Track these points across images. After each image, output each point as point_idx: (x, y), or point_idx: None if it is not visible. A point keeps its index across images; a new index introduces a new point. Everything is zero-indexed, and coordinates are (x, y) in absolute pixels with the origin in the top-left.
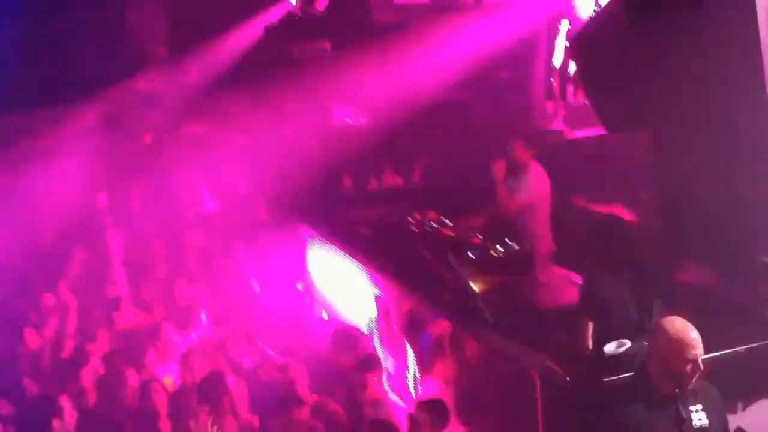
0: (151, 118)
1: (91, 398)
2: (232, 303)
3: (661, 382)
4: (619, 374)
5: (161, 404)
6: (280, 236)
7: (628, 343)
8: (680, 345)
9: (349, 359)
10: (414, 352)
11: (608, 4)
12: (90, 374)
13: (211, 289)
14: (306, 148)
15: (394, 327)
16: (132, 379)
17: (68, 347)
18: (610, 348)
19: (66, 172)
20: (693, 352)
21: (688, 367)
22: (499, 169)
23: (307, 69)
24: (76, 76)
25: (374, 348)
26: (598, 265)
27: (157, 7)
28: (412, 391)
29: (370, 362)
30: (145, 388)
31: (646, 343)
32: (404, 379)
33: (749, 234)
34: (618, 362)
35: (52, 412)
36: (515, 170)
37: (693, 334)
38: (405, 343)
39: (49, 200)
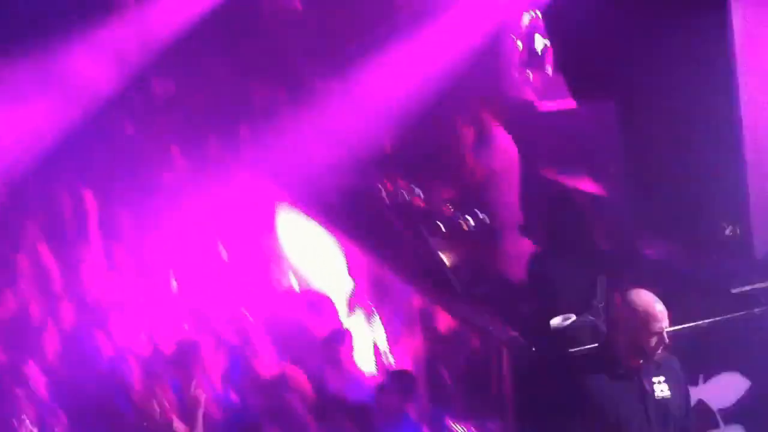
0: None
1: (58, 366)
2: (201, 270)
3: (626, 354)
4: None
5: (135, 373)
6: (249, 201)
7: (573, 317)
8: (645, 317)
9: (321, 330)
10: (383, 322)
11: None
12: (56, 341)
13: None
14: (275, 110)
15: (364, 297)
16: (104, 348)
17: (34, 312)
18: (555, 322)
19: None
20: (658, 324)
21: (653, 340)
22: (466, 135)
23: (276, 27)
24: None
25: (344, 320)
26: (548, 239)
27: None
28: (381, 361)
29: (342, 335)
30: (117, 357)
31: (592, 318)
32: (372, 350)
33: (715, 207)
34: (565, 336)
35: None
36: (482, 138)
37: (659, 307)
38: (374, 314)
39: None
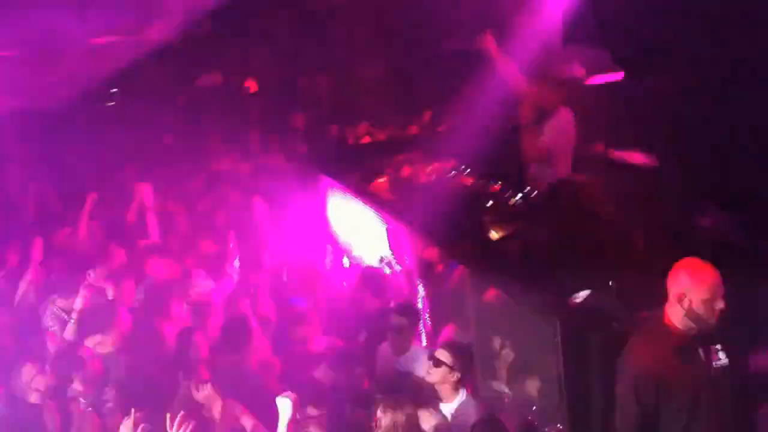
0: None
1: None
2: (256, 253)
3: (682, 323)
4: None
5: (203, 351)
6: (300, 187)
7: (587, 292)
8: (700, 285)
9: (375, 303)
10: (429, 299)
11: None
12: (119, 324)
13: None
14: (319, 98)
15: (412, 274)
16: (167, 329)
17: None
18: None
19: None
20: (713, 292)
21: (711, 308)
22: (524, 112)
23: (322, 19)
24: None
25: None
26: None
27: None
28: (431, 338)
29: (413, 310)
30: (185, 335)
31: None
32: (423, 327)
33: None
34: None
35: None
36: (541, 115)
37: (713, 274)
38: (420, 289)
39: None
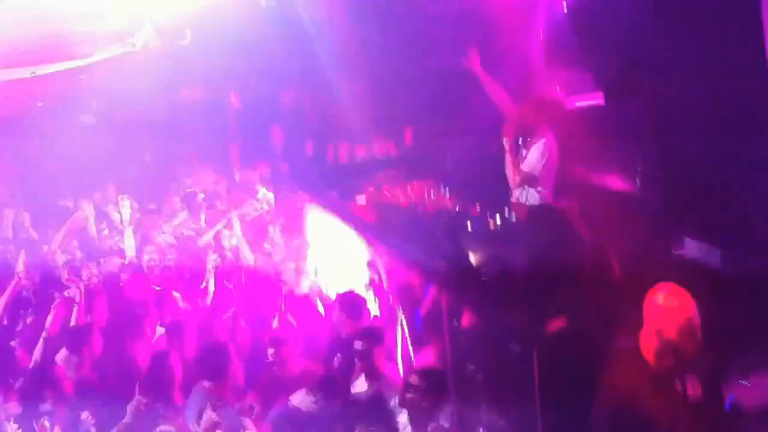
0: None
1: (89, 368)
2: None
3: (656, 352)
4: None
5: (177, 373)
6: (279, 204)
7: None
8: (675, 313)
9: (351, 327)
10: (408, 322)
11: None
12: (92, 344)
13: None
14: (303, 115)
15: (390, 297)
16: (139, 350)
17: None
18: None
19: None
20: (691, 321)
21: (687, 337)
22: (507, 134)
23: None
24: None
25: (377, 319)
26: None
27: None
28: (408, 362)
29: (375, 334)
30: (159, 357)
31: None
32: (399, 348)
33: (748, 207)
34: None
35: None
36: (524, 137)
37: (691, 304)
38: (399, 313)
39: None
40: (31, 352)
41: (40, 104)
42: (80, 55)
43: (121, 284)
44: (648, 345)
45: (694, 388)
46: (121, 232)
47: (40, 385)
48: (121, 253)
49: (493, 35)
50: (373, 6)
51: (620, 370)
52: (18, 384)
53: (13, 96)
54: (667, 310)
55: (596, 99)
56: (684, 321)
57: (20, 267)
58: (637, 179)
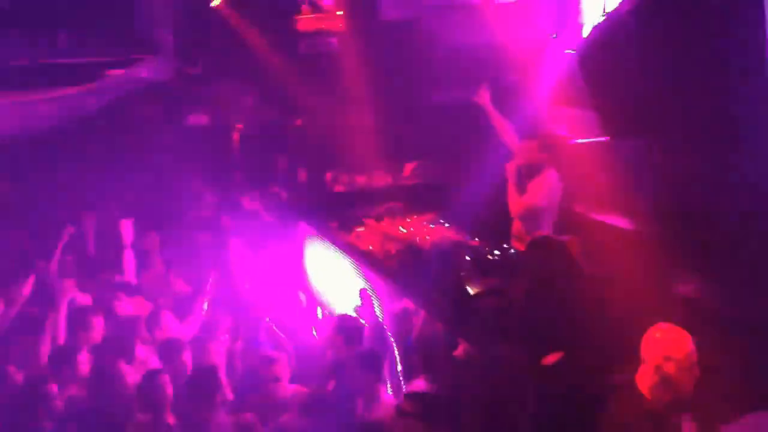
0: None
1: (81, 388)
2: (228, 295)
3: (654, 390)
4: None
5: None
6: (278, 232)
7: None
8: (678, 355)
9: (347, 352)
10: (400, 351)
11: (614, 12)
12: (83, 363)
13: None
14: (306, 144)
15: (384, 326)
16: (128, 372)
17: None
18: None
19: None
20: (689, 360)
21: (685, 376)
22: (511, 169)
23: (314, 64)
24: (78, 59)
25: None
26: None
27: None
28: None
29: (374, 360)
30: (151, 379)
31: None
32: (392, 376)
33: (746, 246)
34: None
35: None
36: (529, 172)
37: (690, 343)
38: (392, 342)
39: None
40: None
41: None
42: None
43: (116, 303)
44: (645, 381)
45: (690, 426)
46: (121, 251)
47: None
48: (119, 272)
49: (503, 73)
50: (383, 37)
51: (617, 405)
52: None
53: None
54: (666, 348)
55: (600, 137)
56: (682, 358)
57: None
58: (639, 217)
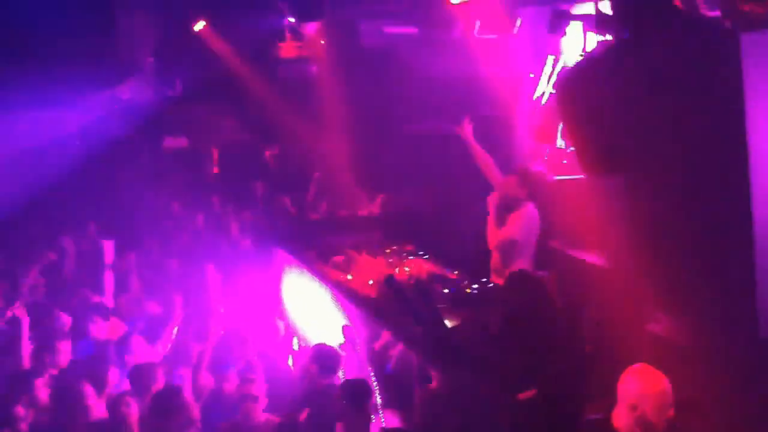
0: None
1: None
2: (201, 321)
3: (630, 430)
4: None
5: (132, 420)
6: (256, 259)
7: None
8: (653, 395)
9: (322, 380)
10: (379, 383)
11: (593, 51)
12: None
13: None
14: (284, 170)
15: (362, 358)
16: (90, 396)
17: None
18: None
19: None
20: (666, 400)
21: (661, 416)
22: (491, 202)
23: (292, 90)
24: (59, 81)
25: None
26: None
27: (147, 17)
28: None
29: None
30: (116, 402)
31: None
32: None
33: (722, 284)
34: None
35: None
36: (508, 206)
37: (665, 383)
38: (370, 374)
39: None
40: None
41: None
42: None
43: (90, 325)
44: (621, 419)
45: None
46: (98, 272)
47: None
48: (96, 294)
49: (482, 106)
50: (362, 65)
51: None
52: None
53: None
54: (641, 388)
55: (577, 173)
56: (657, 399)
57: None
58: (614, 254)
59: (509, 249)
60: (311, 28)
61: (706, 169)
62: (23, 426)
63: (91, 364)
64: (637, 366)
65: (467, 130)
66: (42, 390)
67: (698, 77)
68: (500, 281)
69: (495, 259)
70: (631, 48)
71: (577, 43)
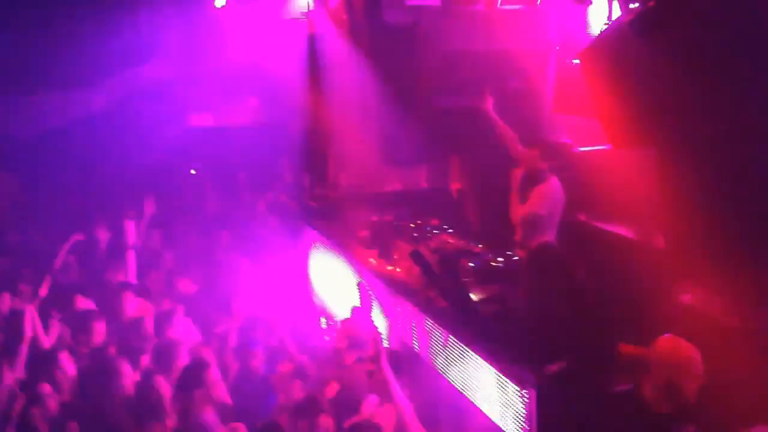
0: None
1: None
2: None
3: (659, 402)
4: None
5: (165, 398)
6: (283, 236)
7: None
8: (683, 363)
9: (352, 355)
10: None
11: (619, 19)
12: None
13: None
14: (310, 147)
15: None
16: (128, 373)
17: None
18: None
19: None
20: (697, 372)
21: (690, 387)
22: (515, 176)
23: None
24: (86, 60)
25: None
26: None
27: None
28: None
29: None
30: (146, 380)
31: None
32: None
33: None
34: None
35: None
36: (532, 180)
37: (695, 353)
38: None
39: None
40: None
41: None
42: None
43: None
44: (650, 390)
45: None
46: (124, 253)
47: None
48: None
49: (504, 79)
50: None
51: (621, 413)
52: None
53: None
54: (671, 359)
55: (604, 145)
56: (687, 369)
57: None
58: (643, 226)
59: (533, 223)
60: (333, 3)
61: (747, 141)
62: (52, 403)
63: (126, 342)
64: (667, 336)
65: (488, 104)
66: (71, 368)
67: (723, 41)
68: (524, 255)
69: (519, 232)
70: (654, 16)
71: (603, 13)
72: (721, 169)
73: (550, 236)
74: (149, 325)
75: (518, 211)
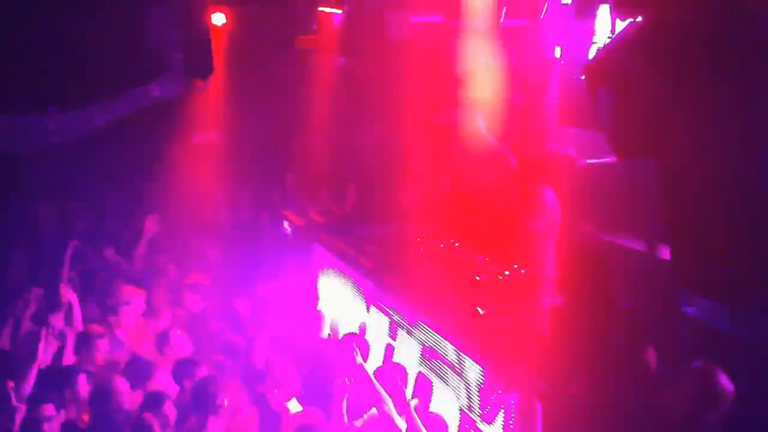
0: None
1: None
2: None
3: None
4: None
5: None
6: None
7: None
8: (714, 396)
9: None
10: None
11: (623, 32)
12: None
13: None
14: (318, 162)
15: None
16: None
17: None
18: None
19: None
20: (724, 404)
21: (713, 417)
22: (512, 191)
23: (324, 84)
24: (90, 78)
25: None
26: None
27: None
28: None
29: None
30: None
31: None
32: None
33: (757, 269)
34: None
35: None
36: (526, 195)
37: (729, 389)
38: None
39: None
40: None
41: None
42: None
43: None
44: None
45: None
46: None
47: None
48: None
49: (511, 92)
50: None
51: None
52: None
53: None
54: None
55: (609, 158)
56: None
57: None
58: (646, 238)
59: (531, 237)
60: (336, 18)
61: (752, 153)
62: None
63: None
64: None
65: (478, 122)
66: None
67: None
68: (524, 268)
69: (518, 246)
70: (657, 29)
71: (607, 26)
72: (727, 179)
73: (548, 249)
74: None
75: (515, 226)
